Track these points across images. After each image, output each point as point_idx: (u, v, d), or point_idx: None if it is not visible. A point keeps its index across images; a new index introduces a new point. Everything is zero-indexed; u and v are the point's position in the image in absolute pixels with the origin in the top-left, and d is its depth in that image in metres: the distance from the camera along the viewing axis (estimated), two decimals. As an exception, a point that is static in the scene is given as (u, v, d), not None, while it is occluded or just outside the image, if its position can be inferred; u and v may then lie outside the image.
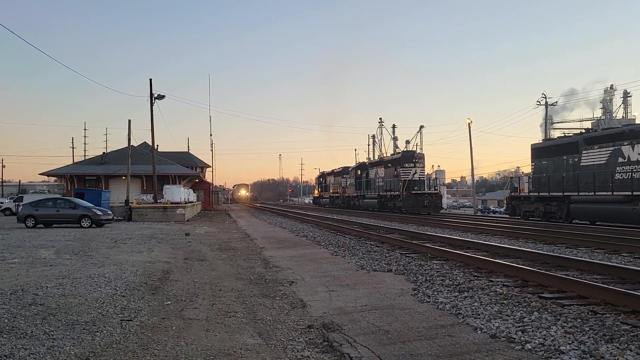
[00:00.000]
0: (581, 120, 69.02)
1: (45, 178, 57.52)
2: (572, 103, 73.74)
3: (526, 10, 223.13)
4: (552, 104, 49.84)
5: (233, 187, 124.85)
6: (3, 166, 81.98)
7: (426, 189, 37.28)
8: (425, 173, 38.98)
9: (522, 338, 5.29)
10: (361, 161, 59.02)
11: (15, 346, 5.11)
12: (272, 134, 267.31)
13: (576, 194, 23.10)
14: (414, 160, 38.18)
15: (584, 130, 26.94)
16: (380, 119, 78.55)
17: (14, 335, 5.49)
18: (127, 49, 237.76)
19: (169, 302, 7.46)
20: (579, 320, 5.93)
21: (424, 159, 39.15)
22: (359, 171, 48.79)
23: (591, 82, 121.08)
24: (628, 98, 70.08)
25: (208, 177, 68.48)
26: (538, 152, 27.20)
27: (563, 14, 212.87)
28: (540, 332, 5.49)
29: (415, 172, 37.52)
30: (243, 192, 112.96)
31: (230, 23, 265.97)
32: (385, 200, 40.84)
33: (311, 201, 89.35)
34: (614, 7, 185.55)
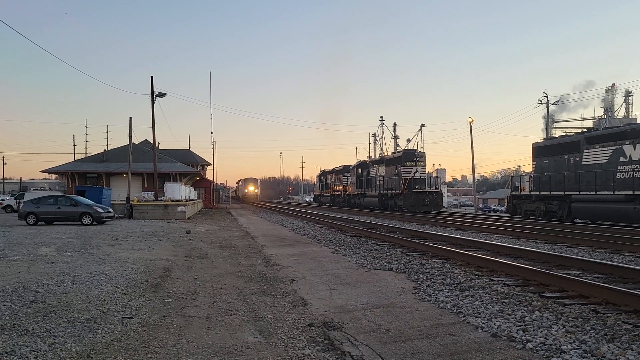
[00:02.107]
0: (582, 120, 68.92)
1: (46, 175, 57.57)
2: (586, 100, 72.59)
3: (529, 8, 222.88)
4: (553, 103, 49.82)
5: (238, 183, 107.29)
6: (4, 163, 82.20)
7: (427, 188, 37.26)
8: (426, 172, 38.99)
9: (523, 337, 5.28)
10: (362, 159, 58.97)
11: (16, 343, 5.12)
12: (273, 131, 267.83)
13: (577, 193, 23.08)
14: (415, 159, 38.16)
15: (585, 130, 26.89)
16: (382, 117, 78.52)
17: (15, 333, 5.50)
18: (128, 46, 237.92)
19: (170, 300, 7.46)
20: (580, 319, 5.92)
21: (425, 157, 39.14)
22: (360, 170, 48.77)
23: (607, 77, 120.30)
24: (629, 97, 69.98)
25: (209, 175, 68.57)
26: (539, 151, 27.16)
27: (567, 11, 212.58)
28: (542, 331, 5.48)
29: (417, 171, 37.51)
30: (251, 189, 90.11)
31: (231, 20, 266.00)
32: (386, 199, 40.83)
33: (312, 199, 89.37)
34: (619, 4, 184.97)
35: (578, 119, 69.76)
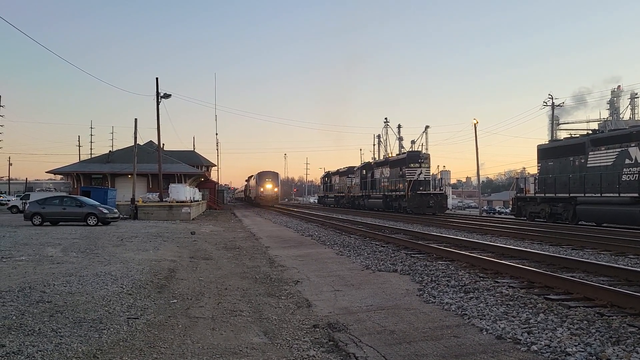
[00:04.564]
0: (588, 121, 68.76)
1: (52, 176, 57.89)
2: (604, 99, 70.70)
3: (533, 8, 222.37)
4: (558, 105, 49.64)
5: (247, 181, 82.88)
6: (10, 164, 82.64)
7: (431, 190, 37.21)
8: (431, 173, 38.90)
9: (528, 339, 5.28)
10: (366, 161, 58.99)
11: (23, 343, 5.16)
12: (277, 132, 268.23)
13: (582, 195, 22.99)
14: (419, 161, 38.13)
15: (590, 131, 26.80)
16: (386, 118, 78.33)
17: (22, 332, 5.54)
18: (133, 46, 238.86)
19: (175, 301, 7.49)
20: (585, 322, 5.91)
21: (429, 159, 39.09)
22: (364, 171, 48.77)
23: (630, 75, 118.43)
24: (635, 99, 69.72)
25: (213, 176, 68.65)
26: (544, 153, 27.09)
27: (571, 11, 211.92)
28: (547, 333, 5.47)
29: (421, 173, 37.45)
30: (269, 187, 62.75)
31: (234, 20, 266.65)
32: (390, 200, 40.79)
33: (316, 201, 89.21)
34: (626, 3, 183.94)
35: (583, 120, 69.61)
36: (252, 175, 73.67)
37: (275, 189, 63.42)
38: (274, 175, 64.47)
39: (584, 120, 70.66)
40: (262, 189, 62.99)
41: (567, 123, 69.87)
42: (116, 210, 27.04)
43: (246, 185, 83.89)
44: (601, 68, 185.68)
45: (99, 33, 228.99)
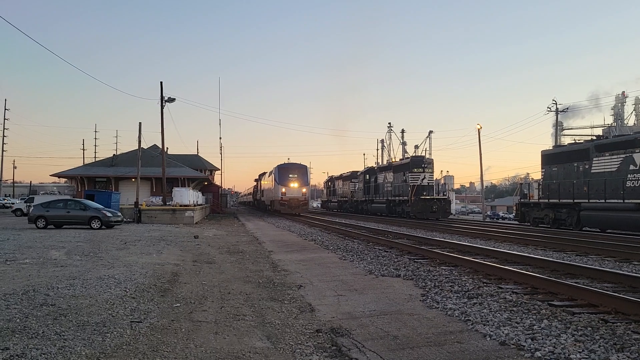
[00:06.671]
0: (592, 127, 68.58)
1: (56, 179, 58.09)
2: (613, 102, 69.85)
3: (537, 13, 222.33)
4: (562, 110, 49.50)
5: (257, 181, 66.52)
6: (14, 167, 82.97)
7: (435, 195, 37.20)
8: (434, 178, 38.90)
9: (531, 346, 5.26)
10: (370, 166, 58.93)
11: (27, 346, 5.17)
12: (280, 136, 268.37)
13: (587, 201, 22.92)
14: (422, 166, 38.14)
15: (594, 137, 26.75)
16: (390, 123, 78.23)
17: (26, 335, 5.56)
18: (136, 49, 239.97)
19: (178, 305, 7.49)
20: (590, 328, 5.89)
21: (432, 164, 39.10)
22: (367, 176, 48.77)
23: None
24: (640, 105, 69.52)
25: (217, 180, 68.71)
26: (548, 158, 27.04)
27: (577, 15, 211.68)
28: (550, 340, 5.46)
29: (424, 178, 37.45)
30: (295, 186, 43.97)
31: (239, 25, 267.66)
32: (393, 205, 40.77)
33: (319, 205, 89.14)
34: (631, 6, 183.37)
35: (587, 126, 69.43)
36: (265, 172, 55.79)
37: (304, 190, 44.47)
38: (301, 170, 45.19)
39: (588, 125, 70.54)
40: (283, 190, 43.88)
41: (572, 128, 69.78)
42: (120, 214, 27.08)
43: (255, 187, 68.14)
44: (618, 70, 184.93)
45: (102, 35, 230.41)
